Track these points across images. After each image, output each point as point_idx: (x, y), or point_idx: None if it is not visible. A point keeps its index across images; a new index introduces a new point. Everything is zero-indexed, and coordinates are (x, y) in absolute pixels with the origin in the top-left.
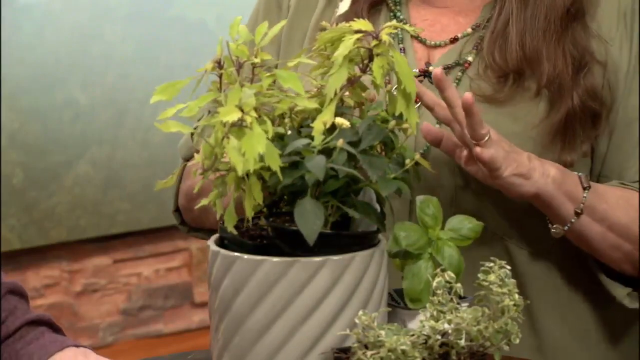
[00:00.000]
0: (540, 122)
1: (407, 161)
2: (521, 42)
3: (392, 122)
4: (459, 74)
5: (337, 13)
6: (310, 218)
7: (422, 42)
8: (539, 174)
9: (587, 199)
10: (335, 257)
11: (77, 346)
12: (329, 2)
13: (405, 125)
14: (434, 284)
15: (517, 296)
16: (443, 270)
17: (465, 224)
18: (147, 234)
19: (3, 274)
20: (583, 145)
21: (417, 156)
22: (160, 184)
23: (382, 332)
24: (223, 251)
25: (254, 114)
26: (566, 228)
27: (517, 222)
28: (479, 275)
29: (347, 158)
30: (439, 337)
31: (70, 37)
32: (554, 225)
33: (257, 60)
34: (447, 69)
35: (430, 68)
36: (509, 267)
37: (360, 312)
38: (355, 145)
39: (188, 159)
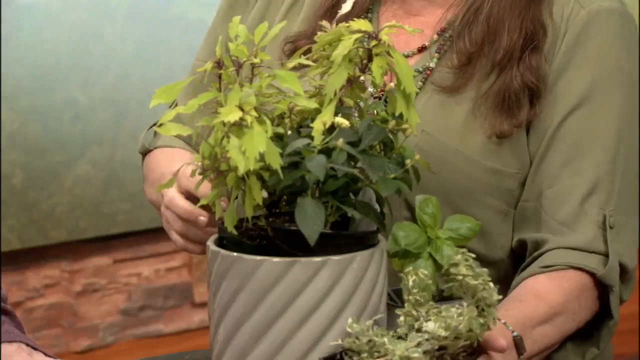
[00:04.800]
0: (485, 93)
1: (407, 161)
2: (488, 14)
3: (392, 122)
4: (420, 83)
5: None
6: (311, 218)
7: None
8: None
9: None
10: (335, 257)
11: (29, 345)
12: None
13: (405, 126)
14: (410, 282)
15: (491, 284)
16: (415, 269)
17: (464, 224)
18: (147, 234)
19: (3, 274)
20: (520, 115)
21: (417, 156)
22: (161, 185)
23: (385, 340)
24: (223, 251)
25: (254, 114)
26: None
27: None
28: (451, 269)
29: (347, 158)
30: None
31: (70, 37)
32: None
33: (256, 61)
34: None
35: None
36: (473, 255)
37: (350, 320)
38: (355, 145)
39: (144, 154)
